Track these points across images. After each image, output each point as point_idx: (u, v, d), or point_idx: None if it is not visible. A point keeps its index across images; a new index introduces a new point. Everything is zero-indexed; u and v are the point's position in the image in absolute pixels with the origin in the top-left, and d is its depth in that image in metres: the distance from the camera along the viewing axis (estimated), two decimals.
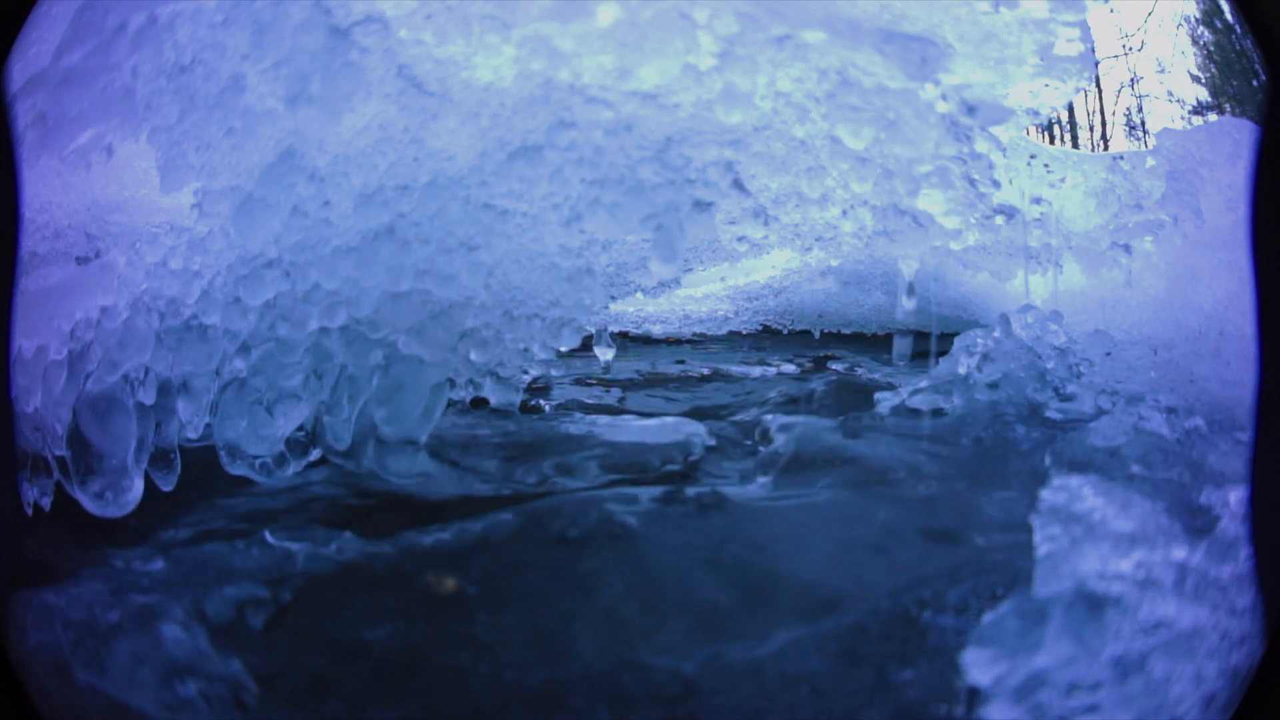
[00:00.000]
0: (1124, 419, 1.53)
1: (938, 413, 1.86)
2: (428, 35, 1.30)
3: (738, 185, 1.41)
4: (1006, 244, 2.45)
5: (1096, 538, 1.11)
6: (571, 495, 1.45)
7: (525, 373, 2.31)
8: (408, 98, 1.35)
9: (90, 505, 1.34)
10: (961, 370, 1.91)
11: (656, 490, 1.42)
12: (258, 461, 1.48)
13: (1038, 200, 2.50)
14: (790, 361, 3.47)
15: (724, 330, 4.45)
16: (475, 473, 1.64)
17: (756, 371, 3.22)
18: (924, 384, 1.95)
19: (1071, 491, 1.22)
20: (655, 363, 3.44)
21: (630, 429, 1.90)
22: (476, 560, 1.22)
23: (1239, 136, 2.25)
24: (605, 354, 2.97)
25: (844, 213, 1.70)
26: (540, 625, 1.10)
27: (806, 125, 1.48)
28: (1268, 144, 0.90)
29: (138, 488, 1.37)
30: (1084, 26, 1.56)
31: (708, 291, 4.64)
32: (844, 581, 1.17)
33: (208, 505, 1.43)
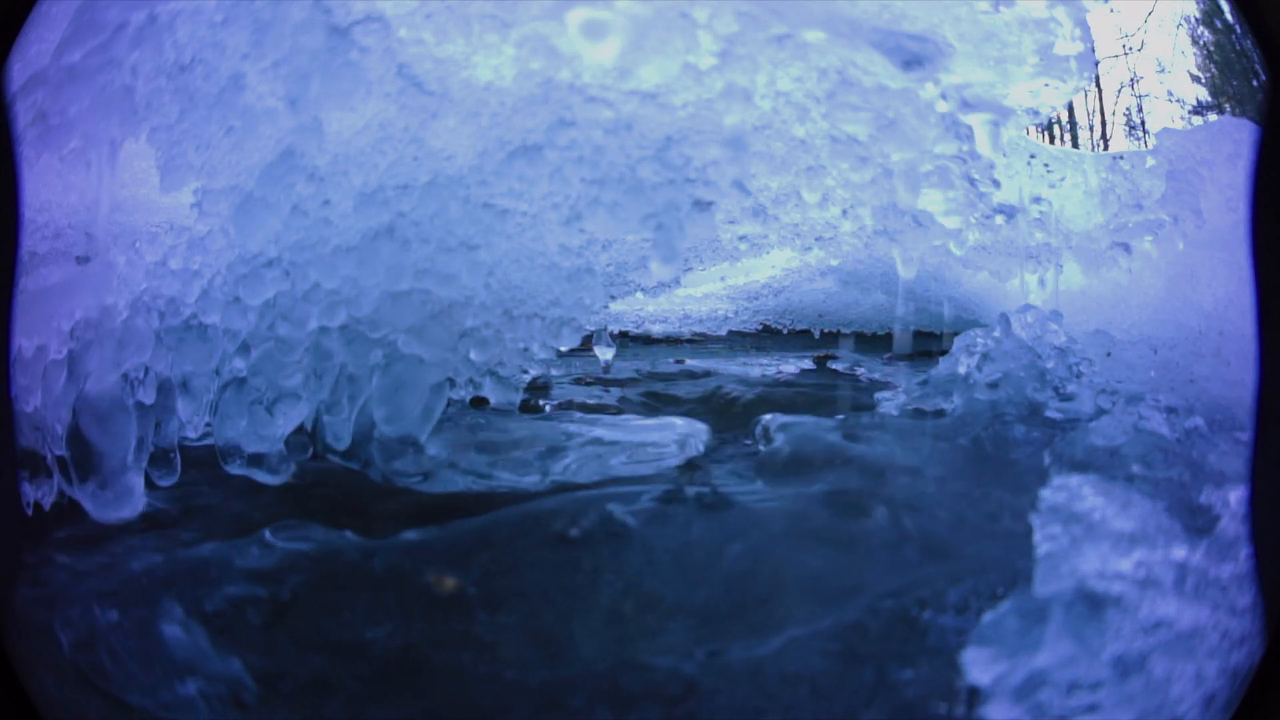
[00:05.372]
0: (1124, 419, 1.53)
1: (938, 413, 1.87)
2: (427, 34, 1.30)
3: (738, 185, 1.41)
4: (1006, 244, 2.44)
5: (1096, 537, 1.11)
6: (571, 495, 1.44)
7: (525, 372, 2.31)
8: (407, 97, 1.35)
9: (90, 505, 1.34)
10: (961, 370, 1.91)
11: (656, 490, 1.41)
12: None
13: (1038, 200, 2.50)
14: (789, 361, 3.47)
15: (724, 330, 4.44)
16: (475, 472, 1.64)
17: (756, 371, 3.21)
18: (924, 383, 1.95)
19: (1071, 491, 1.23)
20: (655, 362, 3.44)
21: (630, 428, 1.90)
22: (476, 560, 1.22)
23: (1239, 136, 2.25)
24: (605, 354, 2.96)
25: (844, 212, 1.70)
26: (540, 625, 1.10)
27: (806, 124, 1.48)
28: (1268, 144, 0.90)
29: (138, 488, 1.37)
30: (1084, 26, 1.56)
31: (708, 291, 4.63)
32: (844, 581, 1.17)
33: (208, 505, 1.43)
